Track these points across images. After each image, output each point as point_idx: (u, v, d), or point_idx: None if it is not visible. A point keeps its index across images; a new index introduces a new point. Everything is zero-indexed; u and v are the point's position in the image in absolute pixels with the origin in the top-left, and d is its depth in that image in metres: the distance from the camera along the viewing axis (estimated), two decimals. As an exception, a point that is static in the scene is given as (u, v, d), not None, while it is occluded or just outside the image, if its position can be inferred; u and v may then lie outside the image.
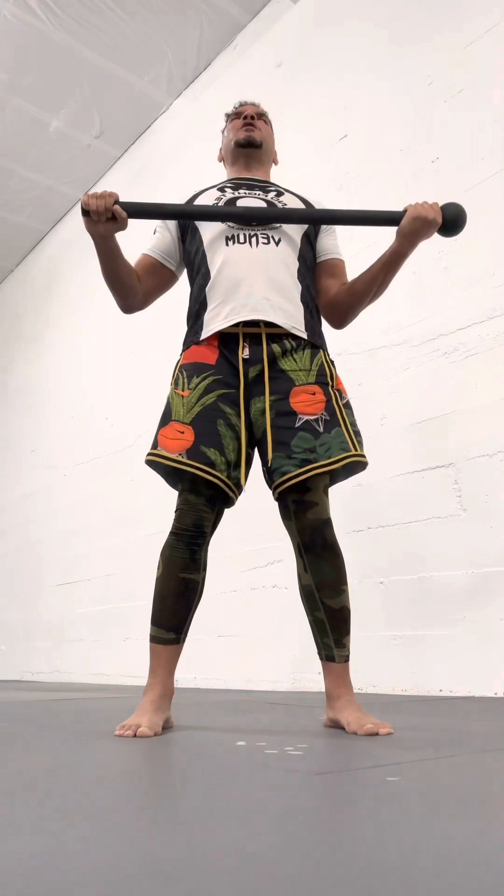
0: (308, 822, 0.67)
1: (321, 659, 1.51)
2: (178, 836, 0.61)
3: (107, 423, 4.74)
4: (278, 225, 1.63)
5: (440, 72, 2.87)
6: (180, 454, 1.48)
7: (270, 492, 1.56)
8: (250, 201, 1.65)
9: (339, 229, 3.23)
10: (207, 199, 1.68)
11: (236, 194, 1.68)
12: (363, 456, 1.52)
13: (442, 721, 1.61)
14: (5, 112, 4.87)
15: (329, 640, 1.48)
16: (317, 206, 1.75)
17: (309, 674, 2.79)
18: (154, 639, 1.50)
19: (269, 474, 1.53)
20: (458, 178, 2.70)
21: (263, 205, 1.64)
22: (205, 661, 3.32)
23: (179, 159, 4.62)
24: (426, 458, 2.59)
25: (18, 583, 5.53)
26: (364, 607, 2.61)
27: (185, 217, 1.61)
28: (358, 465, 1.52)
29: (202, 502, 1.50)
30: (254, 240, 1.60)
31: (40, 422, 5.78)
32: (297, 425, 1.49)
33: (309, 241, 1.69)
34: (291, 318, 1.56)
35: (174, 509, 1.54)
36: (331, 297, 1.68)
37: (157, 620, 1.49)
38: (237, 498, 1.56)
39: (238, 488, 1.54)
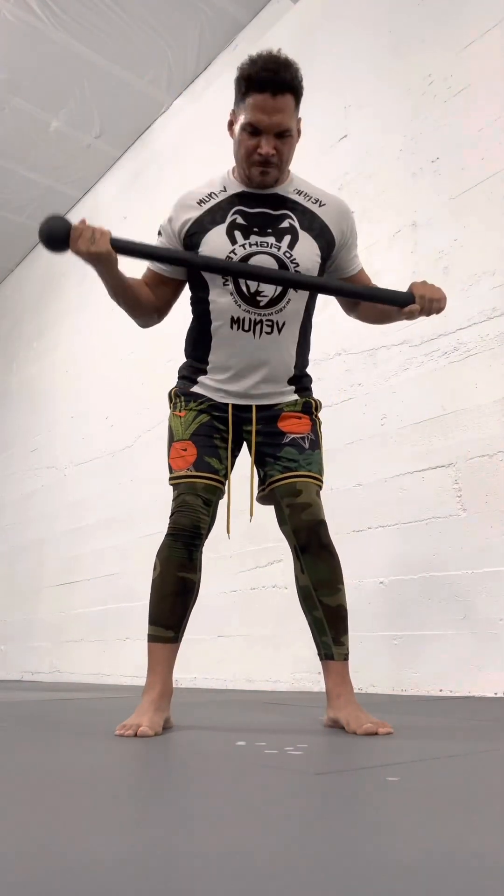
0: (308, 822, 0.67)
1: (320, 658, 1.52)
2: (178, 836, 0.61)
3: (107, 423, 4.74)
4: (286, 302, 1.53)
5: (440, 72, 2.87)
6: (189, 469, 1.55)
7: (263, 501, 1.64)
8: (262, 259, 1.50)
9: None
10: (216, 244, 1.51)
11: (247, 248, 1.50)
12: (322, 485, 1.60)
13: (442, 721, 1.61)
14: (5, 112, 4.87)
15: (328, 639, 1.49)
16: (333, 204, 1.60)
17: (309, 674, 2.79)
18: (152, 637, 1.50)
19: (260, 482, 1.63)
20: (458, 178, 2.70)
21: (274, 264, 1.50)
22: (205, 661, 3.32)
23: (179, 159, 4.62)
24: (426, 458, 2.59)
25: (18, 583, 5.53)
26: (364, 607, 2.61)
27: (187, 265, 1.54)
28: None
29: (199, 503, 1.53)
30: (258, 329, 1.53)
31: (40, 422, 5.78)
32: (284, 442, 1.58)
33: (323, 256, 1.60)
34: (281, 390, 1.61)
35: (170, 511, 1.56)
36: (352, 308, 1.72)
37: (155, 619, 1.50)
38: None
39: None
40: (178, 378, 1.68)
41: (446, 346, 2.61)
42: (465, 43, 2.79)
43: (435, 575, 2.47)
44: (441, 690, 2.36)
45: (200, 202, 1.57)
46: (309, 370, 1.70)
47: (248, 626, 3.19)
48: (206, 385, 1.60)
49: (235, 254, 1.51)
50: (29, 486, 5.71)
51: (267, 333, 1.54)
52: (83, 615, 4.51)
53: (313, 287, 1.55)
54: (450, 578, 2.42)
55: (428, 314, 1.53)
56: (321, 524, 1.52)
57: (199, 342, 1.62)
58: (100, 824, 0.67)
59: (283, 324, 1.55)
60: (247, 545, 3.19)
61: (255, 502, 1.66)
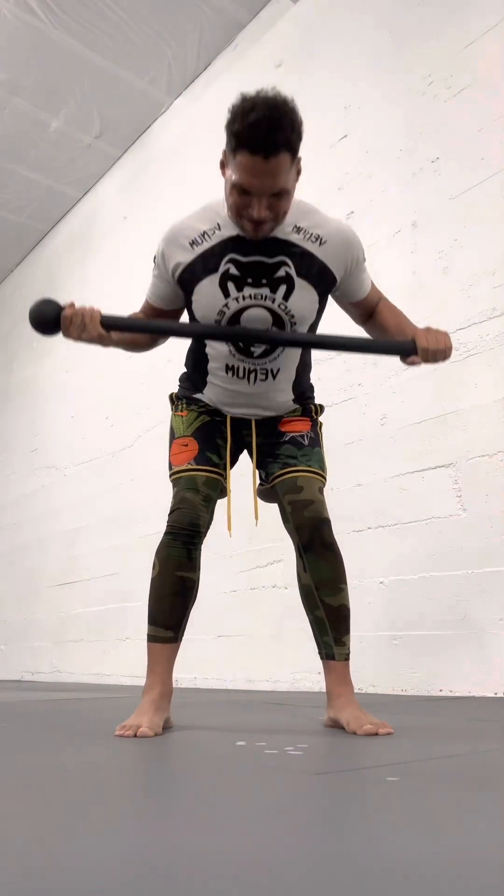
0: (308, 821, 0.67)
1: (321, 657, 1.51)
2: (178, 836, 0.61)
3: (107, 423, 4.74)
4: (280, 351, 1.51)
5: (440, 72, 2.87)
6: (190, 462, 1.56)
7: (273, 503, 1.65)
8: (256, 312, 1.45)
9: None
10: (209, 294, 1.46)
11: (240, 302, 1.45)
12: (325, 481, 1.60)
13: (442, 721, 1.61)
14: (5, 112, 4.87)
15: (329, 639, 1.48)
16: (335, 240, 1.47)
17: (309, 674, 2.79)
18: (152, 638, 1.50)
19: (262, 482, 1.64)
20: (458, 178, 2.70)
21: (268, 317, 1.45)
22: (205, 661, 3.32)
23: (179, 159, 4.62)
24: (426, 458, 2.59)
25: (18, 583, 5.53)
26: (364, 607, 2.61)
27: (180, 336, 1.55)
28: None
29: (200, 500, 1.53)
30: (252, 376, 1.53)
31: (40, 422, 5.78)
32: (283, 440, 1.60)
33: (318, 316, 1.56)
34: (280, 410, 1.62)
35: (169, 509, 1.55)
36: (364, 324, 1.68)
37: (154, 619, 1.50)
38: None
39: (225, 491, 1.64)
40: (180, 385, 1.70)
41: (446, 346, 2.61)
42: (465, 43, 2.79)
43: (435, 575, 2.47)
44: (441, 690, 2.36)
45: (193, 243, 1.46)
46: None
47: (248, 626, 3.19)
48: (207, 398, 1.63)
49: (228, 307, 1.45)
50: (29, 486, 5.71)
51: (261, 381, 1.55)
52: (83, 615, 4.51)
53: (309, 345, 1.55)
54: (450, 578, 2.42)
55: (433, 363, 1.47)
56: (324, 522, 1.51)
57: (196, 368, 1.63)
58: (100, 824, 0.67)
59: (278, 370, 1.55)
60: (247, 545, 3.19)
61: (258, 502, 1.67)
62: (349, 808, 0.73)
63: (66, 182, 5.63)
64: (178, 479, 1.57)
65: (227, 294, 1.45)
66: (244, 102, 1.28)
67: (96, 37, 4.29)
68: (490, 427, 2.41)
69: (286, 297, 1.46)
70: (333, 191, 3.24)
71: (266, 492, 1.65)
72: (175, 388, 1.72)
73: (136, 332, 1.52)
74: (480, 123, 2.66)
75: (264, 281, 1.44)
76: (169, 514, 1.55)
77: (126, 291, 4.84)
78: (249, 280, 1.44)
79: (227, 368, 1.54)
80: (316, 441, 1.62)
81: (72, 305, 1.39)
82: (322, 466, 1.60)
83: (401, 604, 2.56)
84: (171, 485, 1.63)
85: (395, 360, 2.79)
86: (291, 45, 3.76)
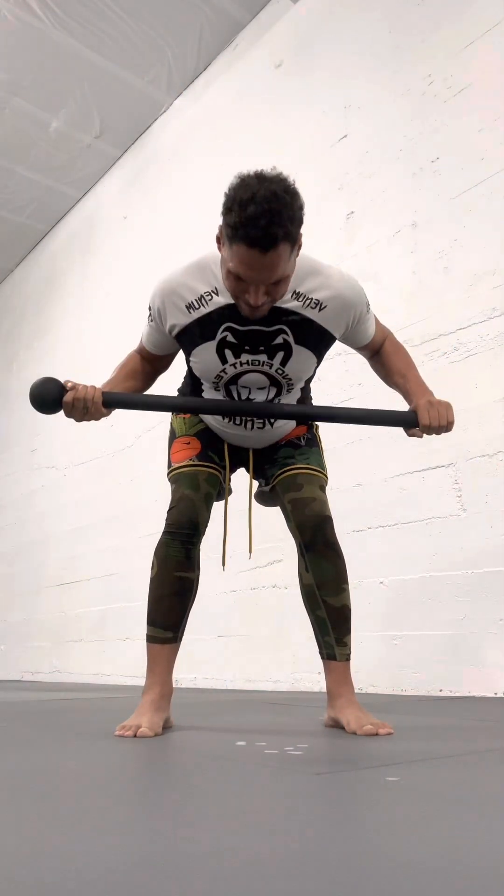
0: (308, 822, 0.67)
1: (322, 658, 1.51)
2: (177, 836, 0.61)
3: (107, 423, 4.73)
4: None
5: (440, 72, 2.87)
6: (192, 459, 1.57)
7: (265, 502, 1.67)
8: (253, 377, 1.46)
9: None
10: (207, 359, 1.45)
11: (237, 368, 1.45)
12: (326, 479, 1.60)
13: (442, 721, 1.61)
14: (5, 112, 4.87)
15: (330, 639, 1.48)
16: (335, 302, 1.43)
17: (309, 674, 2.79)
18: (151, 639, 1.49)
19: (264, 484, 1.65)
20: (458, 178, 2.70)
21: (266, 381, 1.47)
22: (205, 661, 3.32)
23: (179, 159, 4.62)
24: (426, 458, 2.59)
25: (18, 583, 5.53)
26: (365, 607, 2.61)
27: (175, 411, 1.55)
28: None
29: (200, 498, 1.53)
30: (250, 424, 1.55)
31: (40, 422, 5.78)
32: (280, 444, 1.62)
33: (319, 358, 1.54)
34: (279, 438, 1.63)
35: (167, 508, 1.55)
36: (372, 366, 1.72)
37: (153, 620, 1.49)
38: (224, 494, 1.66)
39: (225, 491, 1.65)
40: (179, 390, 1.71)
41: (446, 346, 2.61)
42: (465, 43, 2.79)
43: (435, 575, 2.47)
44: (441, 690, 2.36)
45: (189, 307, 1.42)
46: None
47: (248, 626, 3.19)
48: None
49: (226, 373, 1.46)
50: (29, 486, 5.71)
51: (259, 429, 1.56)
52: (83, 615, 4.51)
53: (306, 417, 1.55)
54: (450, 578, 2.42)
55: (435, 435, 1.47)
56: (326, 521, 1.50)
57: (194, 392, 1.62)
58: (100, 824, 0.67)
59: (275, 422, 1.56)
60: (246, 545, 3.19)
61: (252, 535, 1.70)
62: (349, 808, 0.73)
63: (66, 182, 5.63)
64: (179, 476, 1.56)
65: (224, 360, 1.45)
66: (241, 191, 1.21)
67: (96, 37, 4.29)
68: (490, 427, 2.41)
69: (284, 363, 1.45)
70: (333, 191, 3.24)
71: (265, 495, 1.65)
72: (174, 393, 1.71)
73: (139, 409, 1.49)
74: (480, 123, 2.66)
75: (262, 348, 1.43)
76: (167, 513, 1.54)
77: (126, 291, 4.84)
78: (247, 347, 1.43)
79: (224, 415, 1.56)
80: (313, 441, 1.63)
81: (73, 388, 1.35)
82: (321, 465, 1.61)
83: (401, 604, 2.56)
84: (169, 484, 1.62)
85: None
86: (291, 45, 3.76)
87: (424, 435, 1.48)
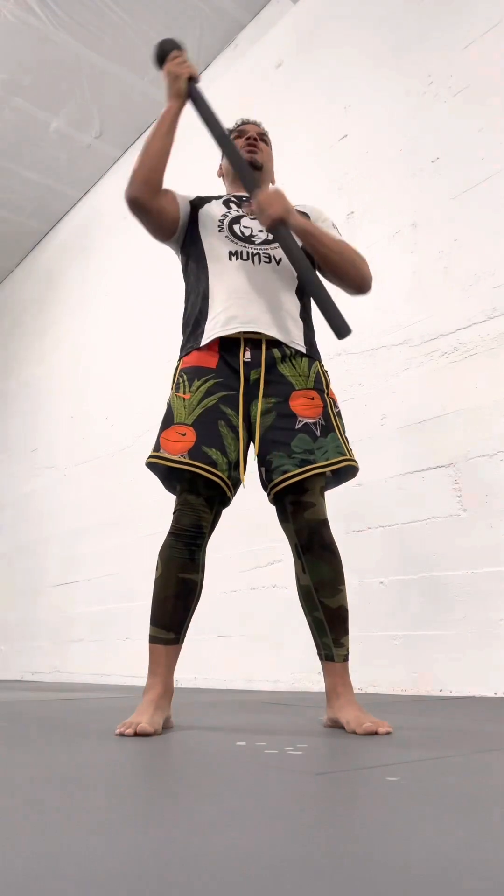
0: (308, 822, 0.67)
1: (320, 658, 1.51)
2: (177, 836, 0.61)
3: (107, 423, 4.74)
4: (277, 245, 1.68)
5: (440, 72, 2.87)
6: (182, 455, 1.50)
7: (266, 494, 1.59)
8: (247, 221, 1.73)
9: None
10: (214, 210, 1.74)
11: (240, 212, 1.75)
12: (355, 462, 1.57)
13: (442, 721, 1.61)
14: (5, 112, 4.87)
15: (328, 640, 1.48)
16: (315, 214, 1.80)
17: (309, 674, 2.79)
18: (153, 639, 1.50)
19: (268, 473, 1.54)
20: (458, 178, 2.70)
21: (257, 224, 1.72)
22: (205, 661, 3.32)
23: (179, 159, 4.61)
24: (426, 458, 2.59)
25: (18, 583, 5.53)
26: (364, 607, 2.61)
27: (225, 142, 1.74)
28: (350, 471, 1.57)
29: (201, 502, 1.52)
30: (256, 258, 1.64)
31: (40, 422, 5.78)
32: (296, 427, 1.53)
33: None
34: (290, 333, 1.61)
35: (172, 510, 1.55)
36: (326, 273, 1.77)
37: (156, 621, 1.50)
38: (233, 498, 1.59)
39: (236, 487, 1.58)
40: (181, 353, 1.66)
41: (446, 346, 2.61)
42: (465, 43, 2.79)
43: (435, 575, 2.47)
44: (441, 690, 2.36)
45: (196, 200, 1.79)
46: None
47: (248, 626, 3.19)
48: (212, 326, 1.59)
49: (229, 215, 1.73)
50: (29, 486, 5.71)
51: (265, 262, 1.64)
52: (83, 615, 4.51)
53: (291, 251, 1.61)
54: (450, 578, 2.42)
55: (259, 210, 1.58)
56: (324, 524, 1.51)
57: (198, 298, 1.65)
58: (100, 824, 0.67)
59: (280, 259, 1.66)
60: (247, 545, 3.19)
61: (246, 465, 1.60)
62: (349, 808, 0.73)
63: (66, 182, 5.63)
64: (179, 477, 1.53)
65: (228, 208, 1.76)
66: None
67: (96, 37, 4.29)
68: (490, 427, 2.41)
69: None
70: (333, 191, 3.24)
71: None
72: (177, 363, 1.67)
73: (203, 116, 1.75)
74: (480, 123, 2.66)
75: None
76: (172, 515, 1.55)
77: (125, 291, 4.85)
78: (245, 208, 1.76)
79: (231, 255, 1.64)
80: (328, 427, 1.55)
81: (181, 61, 1.77)
82: (340, 451, 1.53)
83: (401, 604, 2.56)
84: (163, 484, 1.60)
85: (394, 361, 2.80)
86: (291, 45, 3.76)
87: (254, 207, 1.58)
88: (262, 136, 1.87)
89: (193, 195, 1.81)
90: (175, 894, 0.46)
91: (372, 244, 2.99)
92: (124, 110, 4.91)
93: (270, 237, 1.68)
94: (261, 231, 1.70)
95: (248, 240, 1.68)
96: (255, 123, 1.91)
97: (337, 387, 2.97)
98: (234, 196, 1.83)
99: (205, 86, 4.53)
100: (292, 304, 1.65)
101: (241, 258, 1.64)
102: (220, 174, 1.96)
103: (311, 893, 0.45)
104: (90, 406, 5.02)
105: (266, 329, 1.57)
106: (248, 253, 1.65)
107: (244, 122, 1.91)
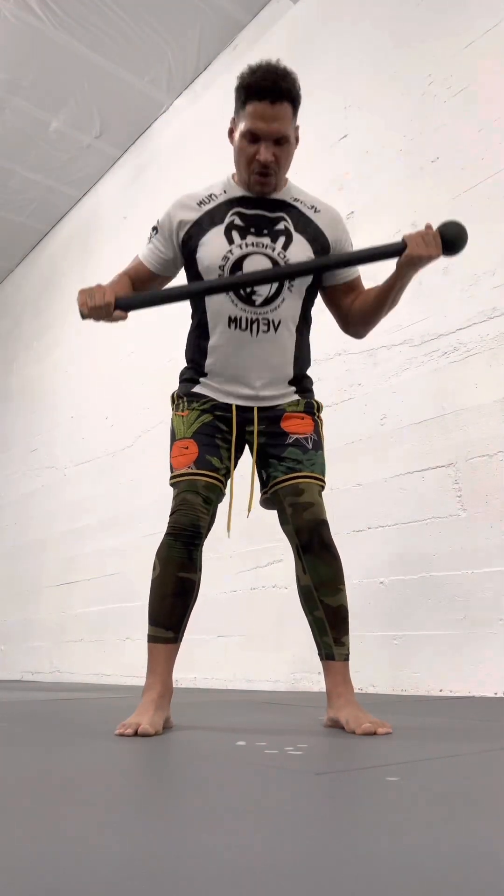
0: (308, 822, 0.67)
1: (321, 658, 1.52)
2: (177, 836, 0.61)
3: (107, 423, 4.74)
4: (280, 300, 1.56)
5: (440, 72, 2.87)
6: (189, 466, 1.56)
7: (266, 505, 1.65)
8: (257, 260, 1.55)
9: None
10: (214, 249, 1.57)
11: (243, 249, 1.56)
12: (324, 484, 1.61)
13: (442, 721, 1.61)
14: (5, 112, 4.87)
15: (328, 639, 1.49)
16: (334, 226, 1.65)
17: (309, 674, 2.79)
18: (152, 638, 1.50)
19: (263, 484, 1.64)
20: (458, 178, 2.70)
21: (269, 264, 1.55)
22: (205, 661, 3.32)
23: (179, 159, 4.62)
24: (426, 458, 2.59)
25: (18, 583, 5.53)
26: (364, 607, 2.61)
27: (189, 297, 1.58)
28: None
29: (199, 502, 1.53)
30: (254, 326, 1.56)
31: (40, 422, 5.78)
32: (287, 442, 1.59)
33: (316, 281, 1.64)
34: (282, 397, 1.63)
35: (170, 510, 1.56)
36: (351, 311, 1.70)
37: (155, 620, 1.50)
38: (223, 496, 1.64)
39: (224, 487, 1.64)
40: (180, 381, 1.69)
41: (446, 346, 2.61)
42: (465, 43, 2.79)
43: (435, 575, 2.47)
44: (441, 690, 2.36)
45: (200, 203, 1.62)
46: (309, 371, 1.70)
47: (248, 626, 3.19)
48: (209, 386, 1.62)
49: (232, 254, 1.56)
50: (29, 486, 5.71)
51: (264, 332, 1.57)
52: (83, 615, 4.51)
53: (307, 271, 1.56)
54: (450, 578, 2.42)
55: (427, 254, 1.51)
56: (323, 524, 1.52)
57: (198, 346, 1.64)
58: (100, 824, 0.67)
59: (279, 322, 1.57)
60: (247, 545, 3.19)
61: (255, 501, 1.67)
62: (349, 808, 0.73)
63: (66, 182, 5.63)
64: (179, 483, 1.57)
65: (231, 241, 1.57)
66: (251, 66, 1.53)
67: (96, 37, 4.29)
68: (490, 427, 2.41)
69: (285, 247, 1.57)
70: (333, 191, 3.24)
71: (268, 500, 1.65)
72: (176, 389, 1.71)
73: (153, 306, 1.57)
74: (480, 123, 2.66)
75: (265, 231, 1.58)
76: (170, 516, 1.55)
77: (126, 291, 4.84)
78: (252, 230, 1.58)
79: (230, 321, 1.56)
80: (318, 444, 1.63)
81: (82, 292, 1.50)
82: (323, 471, 1.61)
83: (401, 604, 2.56)
84: (171, 487, 1.63)
85: (394, 361, 2.80)
86: (291, 45, 3.76)
87: (419, 262, 1.51)
88: (281, 141, 1.52)
89: (185, 224, 1.60)
90: (175, 894, 0.46)
91: (372, 244, 2.98)
92: (124, 110, 4.91)
93: (272, 294, 1.54)
94: (263, 278, 1.53)
95: (249, 300, 1.55)
96: (273, 106, 1.47)
97: (337, 387, 2.98)
98: (240, 207, 1.60)
99: (205, 85, 4.56)
100: (289, 363, 1.62)
101: (240, 327, 1.55)
102: (231, 135, 1.61)
103: (310, 893, 0.45)
104: (90, 406, 5.02)
105: (258, 403, 1.61)
106: (247, 321, 1.55)
107: (261, 97, 1.47)
